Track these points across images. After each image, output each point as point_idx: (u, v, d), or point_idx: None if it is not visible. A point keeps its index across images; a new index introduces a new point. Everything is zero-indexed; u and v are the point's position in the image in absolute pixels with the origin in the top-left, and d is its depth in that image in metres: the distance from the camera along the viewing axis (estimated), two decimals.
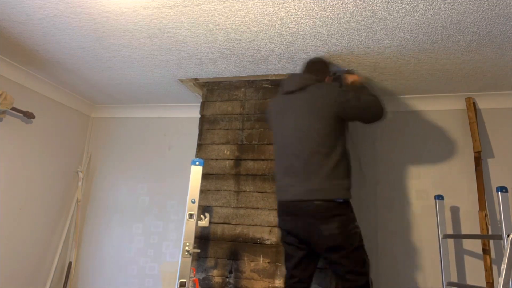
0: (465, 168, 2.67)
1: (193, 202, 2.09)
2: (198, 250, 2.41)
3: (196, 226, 2.07)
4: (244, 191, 2.55)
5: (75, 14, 2.04)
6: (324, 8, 1.83)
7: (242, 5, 1.86)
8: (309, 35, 2.09)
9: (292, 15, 1.91)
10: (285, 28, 2.04)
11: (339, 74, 2.39)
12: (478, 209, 2.51)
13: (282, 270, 2.33)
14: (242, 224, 2.49)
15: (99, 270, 3.27)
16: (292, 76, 2.24)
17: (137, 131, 3.52)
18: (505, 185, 2.06)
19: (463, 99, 2.73)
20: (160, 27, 2.11)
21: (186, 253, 2.01)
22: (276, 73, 2.61)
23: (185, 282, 1.95)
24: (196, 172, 2.15)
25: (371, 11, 1.83)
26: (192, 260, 2.06)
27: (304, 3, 1.81)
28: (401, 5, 1.77)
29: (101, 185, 3.48)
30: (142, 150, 3.45)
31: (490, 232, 2.46)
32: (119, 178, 3.44)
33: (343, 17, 1.90)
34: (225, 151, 2.66)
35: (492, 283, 2.35)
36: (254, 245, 2.43)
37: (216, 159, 2.66)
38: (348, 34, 2.05)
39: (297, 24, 1.99)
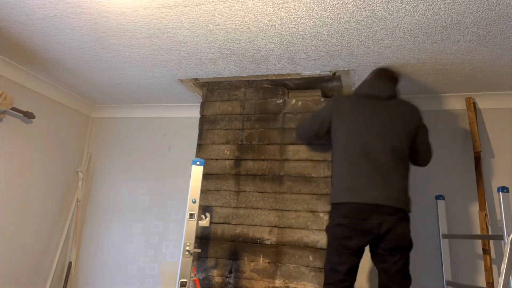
0: (465, 168, 2.67)
1: (194, 202, 2.09)
2: (199, 250, 2.41)
3: (197, 226, 2.08)
4: (244, 191, 2.55)
5: (75, 14, 2.04)
6: (324, 8, 1.83)
7: (242, 5, 1.86)
8: (309, 35, 2.09)
9: (292, 15, 1.91)
10: (285, 28, 2.04)
11: None
12: (478, 209, 2.52)
13: (282, 270, 2.34)
14: (242, 224, 2.49)
15: (99, 270, 3.27)
16: (378, 81, 2.18)
17: (137, 131, 3.52)
18: (505, 185, 2.06)
19: (463, 99, 2.73)
20: (160, 27, 2.11)
21: (187, 253, 2.01)
22: (276, 73, 2.60)
23: (185, 282, 1.95)
24: (197, 172, 2.15)
25: (371, 11, 1.83)
26: (193, 260, 2.06)
27: (304, 3, 1.81)
28: (401, 5, 1.77)
29: (101, 185, 3.48)
30: (142, 150, 3.45)
31: (490, 232, 2.47)
32: (119, 178, 3.44)
33: (343, 17, 1.90)
34: (225, 151, 2.66)
35: (492, 283, 2.35)
36: (254, 245, 2.43)
37: (216, 159, 2.66)
38: (348, 34, 2.05)
39: (297, 24, 1.99)
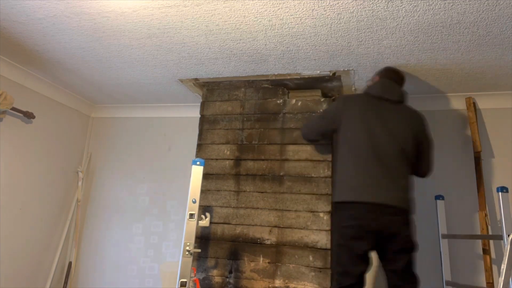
0: (465, 168, 2.67)
1: (194, 202, 2.09)
2: (199, 250, 2.41)
3: (197, 226, 2.08)
4: (244, 191, 2.55)
5: (75, 14, 2.04)
6: (324, 8, 1.83)
7: (242, 5, 1.86)
8: (309, 35, 2.09)
9: (292, 15, 1.91)
10: (285, 28, 2.04)
11: None
12: (478, 209, 2.52)
13: (282, 270, 2.34)
14: (242, 224, 2.49)
15: (99, 270, 3.27)
16: (389, 84, 2.17)
17: (137, 131, 3.52)
18: (505, 185, 2.06)
19: (463, 99, 2.73)
20: (160, 27, 2.11)
21: (187, 253, 2.01)
22: (276, 73, 2.60)
23: (186, 282, 1.95)
24: (197, 172, 2.15)
25: (371, 11, 1.83)
26: (193, 260, 2.06)
27: (304, 3, 1.81)
28: (401, 5, 1.77)
29: (101, 185, 3.48)
30: (142, 150, 3.45)
31: (490, 232, 2.47)
32: (119, 178, 3.44)
33: (343, 17, 1.90)
34: (225, 151, 2.66)
35: (492, 283, 2.35)
36: (254, 245, 2.43)
37: (216, 159, 2.66)
38: (348, 34, 2.05)
39: (297, 24, 1.99)
